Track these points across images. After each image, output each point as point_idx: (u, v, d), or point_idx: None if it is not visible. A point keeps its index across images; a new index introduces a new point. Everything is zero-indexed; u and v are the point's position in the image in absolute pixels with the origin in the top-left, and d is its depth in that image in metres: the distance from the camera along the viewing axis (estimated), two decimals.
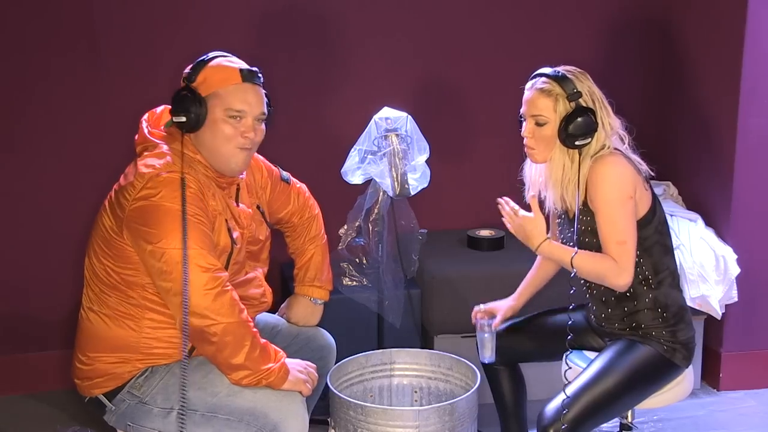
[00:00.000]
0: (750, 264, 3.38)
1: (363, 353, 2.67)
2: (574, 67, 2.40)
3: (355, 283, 3.20)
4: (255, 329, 2.24)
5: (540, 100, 2.36)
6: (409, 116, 2.90)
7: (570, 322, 2.41)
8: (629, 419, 2.58)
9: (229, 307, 2.17)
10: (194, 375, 2.26)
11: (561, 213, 2.49)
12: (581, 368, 2.41)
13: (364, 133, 2.91)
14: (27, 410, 3.33)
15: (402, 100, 3.17)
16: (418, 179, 2.89)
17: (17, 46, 3.26)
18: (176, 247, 2.13)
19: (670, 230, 2.53)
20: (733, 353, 3.48)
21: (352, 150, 2.93)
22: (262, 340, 2.25)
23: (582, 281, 2.51)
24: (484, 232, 3.49)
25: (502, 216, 2.47)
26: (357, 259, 3.17)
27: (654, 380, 2.40)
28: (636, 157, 2.41)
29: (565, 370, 2.36)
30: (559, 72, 2.37)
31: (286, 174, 2.65)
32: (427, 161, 2.92)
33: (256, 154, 2.53)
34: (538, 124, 2.38)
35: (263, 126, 2.33)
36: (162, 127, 2.33)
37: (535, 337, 2.64)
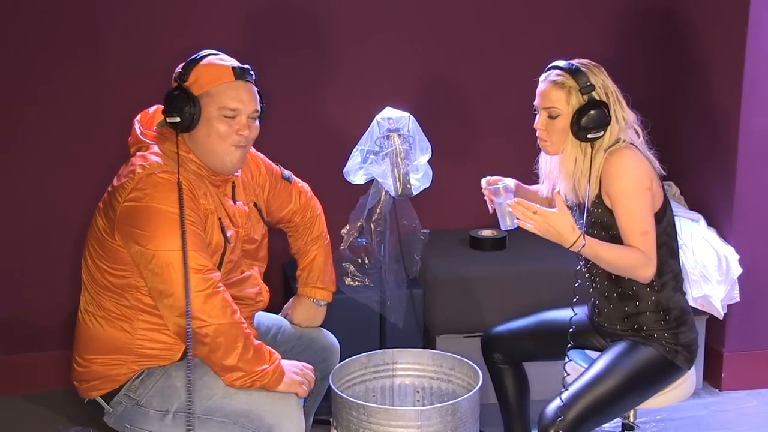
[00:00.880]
0: (752, 264, 3.38)
1: (365, 353, 2.67)
2: (588, 60, 2.40)
3: (357, 283, 3.20)
4: (249, 330, 2.23)
5: (553, 93, 2.37)
6: (411, 116, 2.90)
7: (574, 315, 2.39)
8: (631, 419, 2.58)
9: (221, 309, 2.16)
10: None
11: (573, 205, 2.49)
12: (583, 368, 2.41)
13: (366, 133, 2.91)
14: (27, 411, 3.33)
15: (404, 100, 3.17)
16: (420, 179, 2.88)
17: (19, 46, 3.26)
18: (166, 249, 2.12)
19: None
20: (735, 353, 3.48)
21: (354, 150, 2.92)
22: (257, 342, 2.24)
23: (587, 275, 2.50)
24: (487, 232, 3.49)
25: (516, 219, 2.31)
26: (359, 259, 3.16)
27: (656, 381, 2.40)
28: (650, 155, 2.41)
29: (564, 377, 2.36)
30: (572, 65, 2.37)
31: (287, 172, 2.64)
32: (429, 161, 2.92)
33: (256, 151, 2.53)
34: (551, 117, 2.38)
35: (257, 123, 2.33)
36: (155, 128, 2.33)
37: (539, 336, 2.63)
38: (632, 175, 2.32)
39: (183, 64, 2.27)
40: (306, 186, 2.70)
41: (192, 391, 2.17)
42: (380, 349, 2.82)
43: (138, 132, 2.31)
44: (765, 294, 3.46)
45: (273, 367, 2.23)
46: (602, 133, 2.34)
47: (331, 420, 2.48)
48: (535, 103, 2.43)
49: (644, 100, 3.68)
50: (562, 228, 2.25)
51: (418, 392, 2.71)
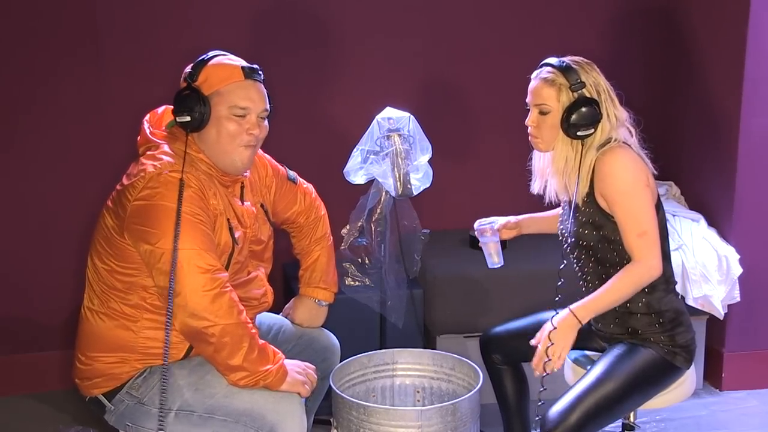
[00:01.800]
0: (752, 264, 3.38)
1: (365, 353, 2.67)
2: (580, 58, 2.40)
3: (357, 283, 3.20)
4: (254, 330, 2.23)
5: (543, 90, 2.37)
6: (412, 116, 2.90)
7: (555, 312, 2.38)
8: (632, 419, 2.58)
9: (228, 309, 2.16)
10: (192, 376, 2.26)
11: (566, 203, 2.49)
12: (584, 369, 2.41)
13: (367, 133, 2.91)
14: (28, 410, 3.33)
15: (404, 100, 3.17)
16: (420, 179, 2.89)
17: (19, 46, 3.26)
18: (176, 248, 2.13)
19: (672, 231, 2.52)
20: (736, 353, 3.48)
21: (355, 150, 2.92)
22: (261, 341, 2.24)
23: (579, 273, 2.50)
24: None
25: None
26: (359, 259, 3.16)
27: (655, 382, 2.39)
28: (643, 154, 2.40)
29: (543, 375, 2.32)
30: (563, 62, 2.37)
31: (292, 173, 2.64)
32: (429, 161, 2.92)
33: (261, 152, 2.53)
34: (542, 113, 2.38)
35: (266, 123, 2.34)
36: (164, 128, 2.33)
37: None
38: (627, 173, 2.32)
39: (192, 64, 2.28)
40: (311, 187, 2.71)
41: (165, 391, 2.16)
42: (380, 349, 2.82)
43: (147, 132, 2.31)
44: (765, 294, 3.46)
45: (277, 367, 2.23)
46: (593, 130, 2.34)
47: (331, 420, 2.48)
48: (527, 99, 2.43)
49: (644, 100, 3.71)
50: (561, 332, 2.31)
51: (418, 392, 2.71)
